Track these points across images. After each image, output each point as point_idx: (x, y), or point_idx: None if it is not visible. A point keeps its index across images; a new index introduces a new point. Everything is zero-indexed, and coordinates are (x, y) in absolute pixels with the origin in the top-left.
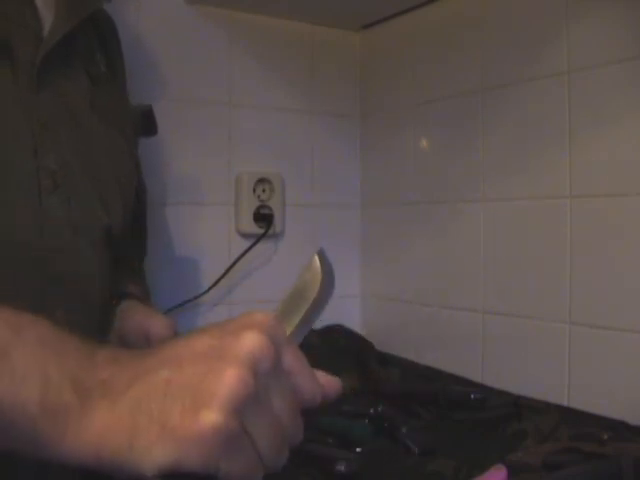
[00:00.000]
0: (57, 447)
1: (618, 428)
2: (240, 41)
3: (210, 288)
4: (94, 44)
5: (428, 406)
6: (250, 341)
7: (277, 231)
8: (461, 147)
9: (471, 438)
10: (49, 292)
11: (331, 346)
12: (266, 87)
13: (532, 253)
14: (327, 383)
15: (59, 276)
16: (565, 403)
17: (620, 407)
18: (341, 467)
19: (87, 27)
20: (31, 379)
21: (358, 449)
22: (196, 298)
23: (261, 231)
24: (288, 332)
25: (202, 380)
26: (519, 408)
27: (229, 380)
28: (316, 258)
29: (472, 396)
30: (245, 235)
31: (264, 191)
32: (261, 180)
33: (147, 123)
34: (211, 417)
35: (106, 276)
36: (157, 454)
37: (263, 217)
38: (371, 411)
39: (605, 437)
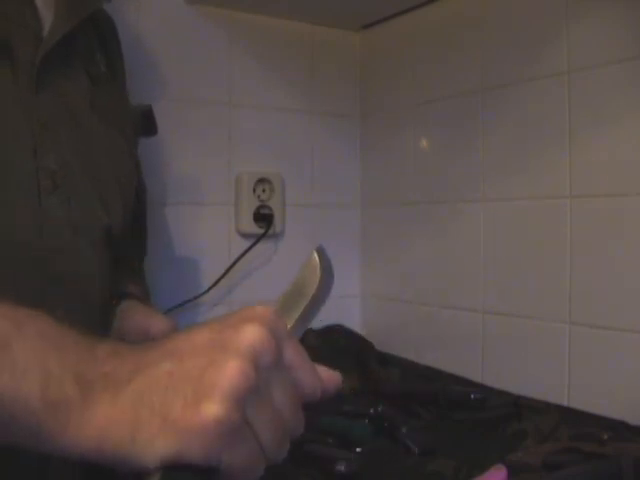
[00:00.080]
0: (59, 440)
1: (618, 428)
2: (240, 41)
3: (210, 288)
4: (94, 44)
5: (428, 406)
6: (251, 334)
7: (277, 231)
8: (461, 147)
9: (471, 438)
10: (49, 292)
11: (331, 346)
12: (266, 87)
13: (532, 253)
14: (327, 377)
15: (59, 276)
16: (565, 403)
17: (620, 407)
18: (341, 467)
19: (87, 27)
20: (32, 373)
21: (358, 449)
22: (196, 298)
23: (261, 231)
24: (288, 327)
25: (203, 372)
26: (519, 408)
27: (230, 372)
28: (315, 254)
29: (472, 396)
30: (245, 235)
31: (264, 191)
32: (261, 180)
33: (147, 123)
34: (212, 409)
35: (106, 276)
36: (159, 446)
37: (263, 217)
38: (371, 411)
39: (605, 437)
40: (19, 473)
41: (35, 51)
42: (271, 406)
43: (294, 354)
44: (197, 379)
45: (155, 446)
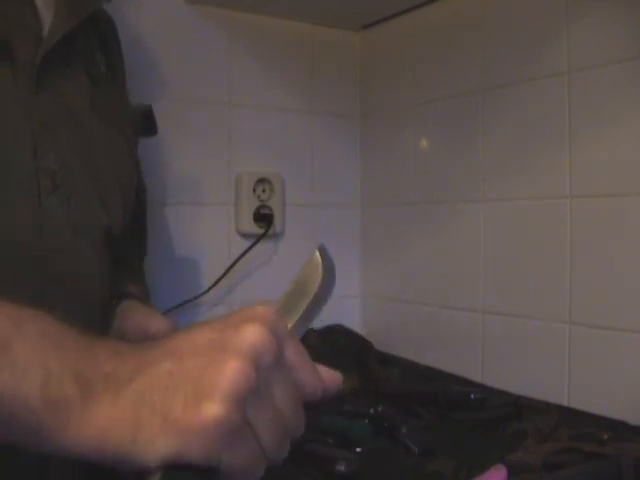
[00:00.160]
0: (59, 440)
1: (618, 428)
2: (240, 41)
3: (210, 288)
4: (94, 44)
5: (428, 406)
6: (252, 334)
7: (277, 231)
8: (461, 147)
9: (471, 438)
10: (49, 292)
11: (331, 346)
12: (266, 87)
13: (532, 253)
14: (328, 377)
15: (59, 276)
16: (565, 403)
17: (620, 407)
18: (341, 467)
19: (87, 27)
20: (32, 372)
21: (358, 449)
22: (196, 298)
23: (261, 231)
24: (289, 327)
25: (204, 372)
26: (519, 408)
27: (231, 372)
28: (317, 253)
29: (472, 396)
30: (245, 235)
31: (264, 191)
32: (261, 180)
33: (147, 123)
34: (213, 409)
35: (106, 276)
36: (159, 446)
37: (263, 217)
38: (371, 411)
39: (605, 437)
40: (19, 473)
41: (35, 51)
42: (272, 406)
43: (295, 354)
44: (197, 379)
45: (156, 446)
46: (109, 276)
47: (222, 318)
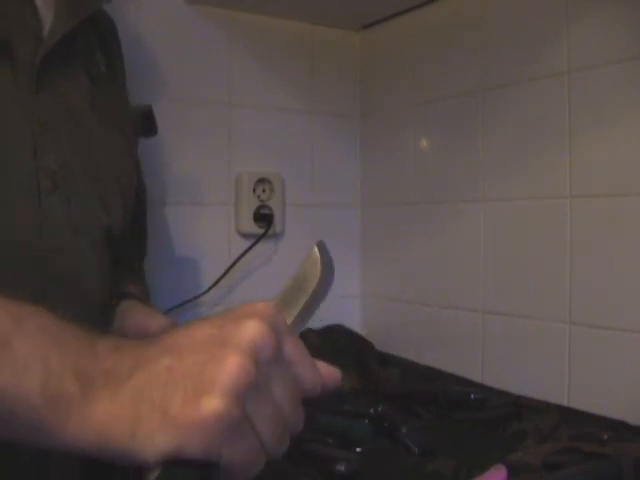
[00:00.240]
0: (60, 436)
1: (618, 428)
2: (240, 41)
3: (210, 288)
4: (94, 44)
5: (428, 406)
6: (251, 329)
7: (277, 231)
8: (461, 147)
9: (471, 438)
10: (49, 292)
11: (331, 346)
12: (266, 87)
13: (532, 253)
14: (327, 373)
15: (59, 276)
16: (565, 403)
17: (620, 407)
18: (341, 467)
19: (87, 27)
20: (33, 369)
21: (358, 449)
22: (196, 298)
23: (261, 231)
24: (288, 323)
25: (203, 368)
26: (519, 408)
27: (230, 367)
28: (316, 249)
29: (472, 396)
30: (245, 235)
31: (264, 191)
32: (261, 180)
33: (147, 123)
34: (212, 404)
35: (106, 276)
36: (159, 442)
37: (263, 217)
38: (371, 411)
39: (605, 437)
40: (19, 472)
41: (35, 51)
42: (271, 401)
43: (294, 349)
44: (197, 374)
45: (155, 441)
46: (109, 276)
47: (221, 314)
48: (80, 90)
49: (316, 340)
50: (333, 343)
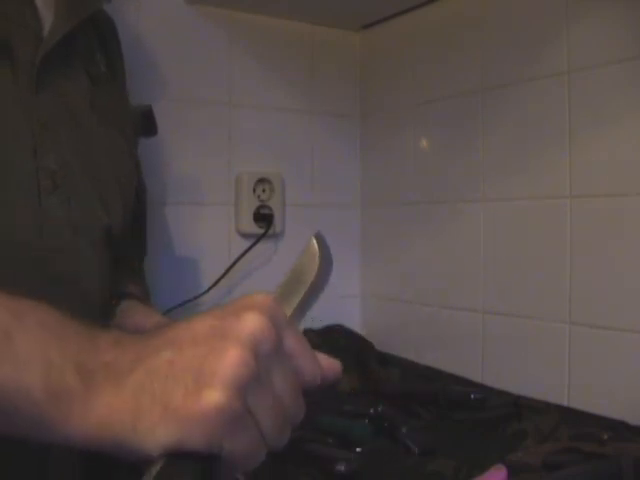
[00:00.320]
0: (61, 430)
1: (618, 428)
2: (240, 41)
3: (210, 288)
4: (94, 44)
5: (428, 406)
6: (251, 322)
7: (277, 231)
8: (461, 147)
9: (471, 438)
10: (49, 292)
11: (331, 346)
12: (266, 87)
13: (532, 253)
14: (327, 365)
15: (59, 276)
16: (565, 403)
17: (620, 407)
18: (341, 467)
19: (87, 27)
20: (34, 364)
21: (358, 449)
22: (196, 298)
23: (261, 231)
24: (287, 314)
25: (204, 361)
26: (519, 408)
27: (231, 360)
28: (314, 241)
29: (472, 396)
30: (245, 235)
31: (264, 191)
32: (261, 180)
33: (147, 123)
34: (213, 396)
35: (106, 276)
36: (160, 435)
37: (263, 217)
38: (371, 411)
39: (605, 437)
40: (19, 472)
41: (35, 51)
42: (272, 393)
43: (294, 341)
44: (197, 367)
45: (156, 434)
46: (109, 276)
47: (221, 307)
48: (80, 90)
49: (316, 340)
50: (333, 343)
